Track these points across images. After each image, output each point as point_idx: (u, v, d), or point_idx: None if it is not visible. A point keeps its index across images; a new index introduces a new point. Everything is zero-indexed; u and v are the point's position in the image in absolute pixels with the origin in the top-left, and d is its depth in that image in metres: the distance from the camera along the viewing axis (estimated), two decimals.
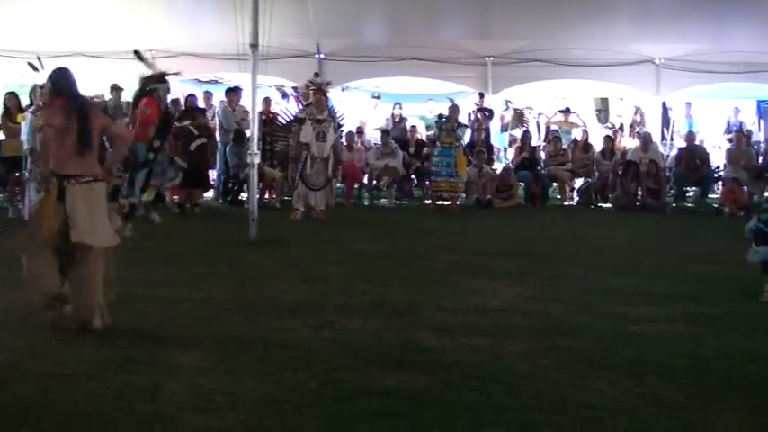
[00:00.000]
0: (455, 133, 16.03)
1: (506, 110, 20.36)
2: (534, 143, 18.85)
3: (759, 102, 19.98)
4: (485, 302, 7.43)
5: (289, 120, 15.55)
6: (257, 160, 11.33)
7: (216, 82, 19.66)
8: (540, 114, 20.86)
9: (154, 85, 12.23)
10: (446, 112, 16.37)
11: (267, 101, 16.71)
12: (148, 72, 12.19)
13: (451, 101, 16.98)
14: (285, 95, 18.46)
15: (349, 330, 6.33)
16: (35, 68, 12.50)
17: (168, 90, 12.77)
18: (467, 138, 17.55)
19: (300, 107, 14.96)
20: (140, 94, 12.33)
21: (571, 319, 6.85)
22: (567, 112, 20.02)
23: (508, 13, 18.03)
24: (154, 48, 17.86)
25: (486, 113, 18.44)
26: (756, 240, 7.72)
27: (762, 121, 20.01)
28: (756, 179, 16.59)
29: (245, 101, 15.23)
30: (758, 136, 19.36)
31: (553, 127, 19.72)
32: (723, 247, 10.73)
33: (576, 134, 19.10)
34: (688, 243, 11.66)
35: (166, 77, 12.45)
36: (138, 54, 12.12)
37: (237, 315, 6.74)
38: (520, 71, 18.59)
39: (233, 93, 16.92)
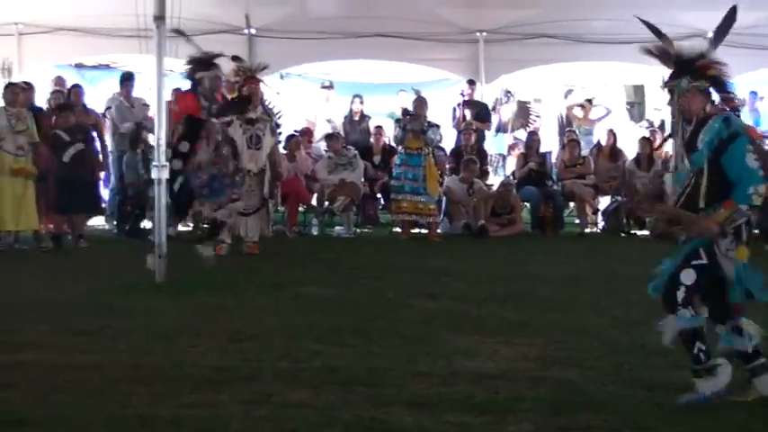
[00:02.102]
0: (425, 136, 16.04)
1: (506, 103, 20.43)
2: (544, 149, 18.90)
3: None
4: (477, 366, 7.45)
5: None
6: (165, 175, 11.32)
7: (107, 67, 19.64)
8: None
9: (200, 73, 12.20)
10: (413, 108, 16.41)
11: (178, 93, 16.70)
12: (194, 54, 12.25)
13: (417, 92, 16.98)
14: None
15: (292, 406, 6.33)
16: None
17: (219, 79, 12.53)
18: (451, 142, 17.59)
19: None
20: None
21: (594, 387, 6.90)
22: (587, 104, 20.12)
23: None
24: (21, 21, 17.85)
25: (478, 108, 18.51)
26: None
27: None
28: None
29: (148, 92, 15.21)
30: None
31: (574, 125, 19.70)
32: None
33: (601, 136, 19.12)
34: None
35: (215, 62, 12.43)
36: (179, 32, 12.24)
37: (139, 387, 6.71)
38: (523, 51, 18.71)
39: (127, 82, 16.87)
